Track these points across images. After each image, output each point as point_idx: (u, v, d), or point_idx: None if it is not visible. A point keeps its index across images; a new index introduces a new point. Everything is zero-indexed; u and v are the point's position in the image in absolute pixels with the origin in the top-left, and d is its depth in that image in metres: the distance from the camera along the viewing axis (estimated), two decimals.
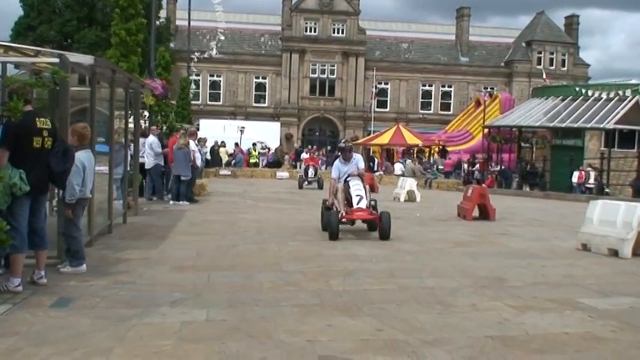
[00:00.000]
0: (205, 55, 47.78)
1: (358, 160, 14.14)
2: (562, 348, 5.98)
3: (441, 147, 47.16)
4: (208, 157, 36.96)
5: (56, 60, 9.00)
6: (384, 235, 12.82)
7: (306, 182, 30.25)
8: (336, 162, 14.18)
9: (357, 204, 13.11)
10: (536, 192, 32.60)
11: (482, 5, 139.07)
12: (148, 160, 19.66)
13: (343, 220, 13.07)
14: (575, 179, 31.92)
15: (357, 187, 13.35)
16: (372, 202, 13.56)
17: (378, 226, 13.05)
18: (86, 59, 9.94)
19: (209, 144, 38.33)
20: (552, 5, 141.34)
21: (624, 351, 5.95)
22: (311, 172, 30.67)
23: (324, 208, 13.83)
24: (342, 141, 15.48)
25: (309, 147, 52.50)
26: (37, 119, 7.74)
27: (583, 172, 32.02)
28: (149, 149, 19.68)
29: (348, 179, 13.57)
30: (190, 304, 7.22)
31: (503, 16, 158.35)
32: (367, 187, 13.77)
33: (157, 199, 19.91)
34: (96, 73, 10.77)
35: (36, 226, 7.83)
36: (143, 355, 5.45)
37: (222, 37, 52.46)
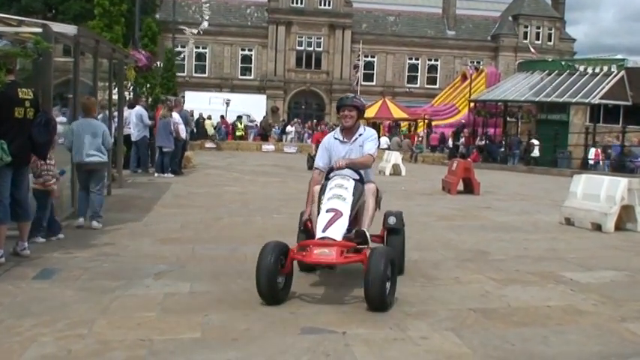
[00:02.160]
0: (197, 30, 47.05)
1: (368, 137, 7.56)
2: (543, 321, 6.02)
3: (426, 121, 47.19)
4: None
5: (39, 30, 8.92)
6: (373, 299, 6.06)
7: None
8: (327, 138, 7.92)
9: (324, 231, 6.58)
10: (521, 166, 32.72)
11: None
12: (135, 132, 19.53)
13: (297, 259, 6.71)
14: (591, 156, 32.03)
15: (334, 194, 6.94)
16: (364, 229, 7.09)
17: (364, 278, 6.09)
18: (69, 29, 9.86)
19: (195, 116, 38.22)
20: None
21: (605, 324, 6.00)
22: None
23: (300, 225, 7.60)
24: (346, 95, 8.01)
25: (295, 119, 52.37)
26: (19, 89, 7.66)
27: (599, 150, 32.19)
28: (138, 120, 19.53)
29: (331, 175, 7.30)
30: (174, 276, 7.22)
31: None
32: (370, 198, 7.30)
33: (141, 172, 19.83)
34: (79, 44, 10.68)
35: (18, 197, 7.78)
36: (126, 326, 5.44)
37: (209, 12, 51.71)
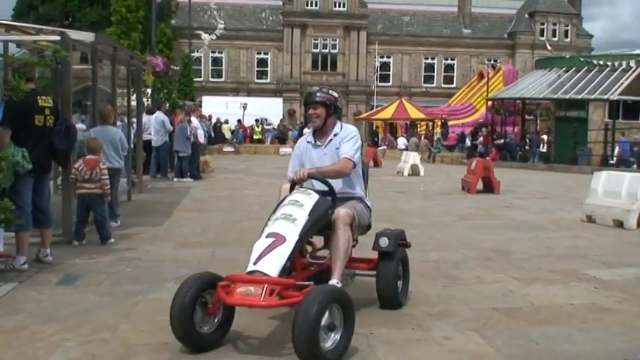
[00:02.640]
0: (213, 37, 46.93)
1: (345, 137, 6.07)
2: (567, 319, 5.99)
3: (442, 121, 47.09)
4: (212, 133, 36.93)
5: (57, 38, 8.99)
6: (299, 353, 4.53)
7: None
8: (300, 141, 6.63)
9: (255, 263, 5.15)
10: (541, 164, 32.56)
11: None
12: (157, 138, 19.59)
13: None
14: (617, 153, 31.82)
15: (282, 214, 5.60)
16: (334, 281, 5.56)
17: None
18: (87, 36, 9.92)
19: (212, 121, 38.32)
20: None
21: (629, 321, 5.95)
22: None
23: None
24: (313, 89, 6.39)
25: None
26: (38, 97, 7.73)
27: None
28: (160, 126, 19.59)
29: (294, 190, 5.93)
30: None
31: None
32: (340, 229, 5.64)
33: (161, 177, 19.90)
34: (97, 51, 10.76)
35: (40, 205, 7.84)
36: (149, 330, 5.47)
37: (219, 18, 51.42)
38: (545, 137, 36.75)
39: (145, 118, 19.22)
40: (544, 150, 35.28)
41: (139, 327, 5.57)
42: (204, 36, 43.55)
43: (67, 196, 9.27)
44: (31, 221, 7.66)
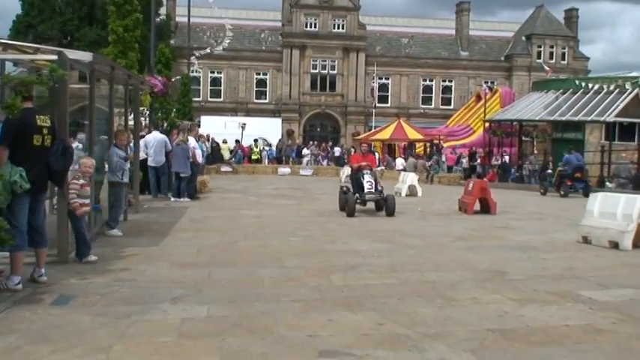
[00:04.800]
0: (209, 50, 46.94)
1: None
2: (562, 340, 5.98)
3: (437, 142, 47.34)
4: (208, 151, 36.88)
5: (55, 57, 8.99)
6: None
7: (359, 201, 16.82)
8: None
9: None
10: (537, 185, 32.53)
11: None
12: (158, 158, 19.57)
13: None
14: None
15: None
16: None
17: None
18: (85, 56, 9.91)
19: (210, 140, 38.30)
20: None
21: (625, 342, 5.94)
22: (368, 179, 16.99)
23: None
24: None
25: (312, 142, 52.35)
26: (37, 116, 7.73)
27: None
28: (160, 147, 19.60)
29: None
30: (191, 301, 7.21)
31: (512, 10, 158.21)
32: None
33: (161, 196, 19.86)
34: (95, 70, 10.77)
35: (36, 224, 7.82)
36: (143, 352, 5.45)
37: (231, 34, 51.55)
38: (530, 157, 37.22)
39: (151, 136, 19.45)
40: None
41: (133, 348, 5.55)
42: (194, 59, 43.59)
43: (63, 216, 9.24)
44: (26, 241, 7.64)
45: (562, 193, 25.79)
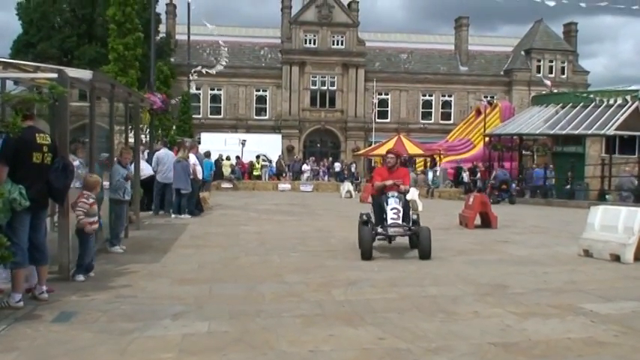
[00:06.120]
0: (211, 71, 47.04)
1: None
2: (564, 353, 5.97)
3: (437, 158, 47.43)
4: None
5: (55, 75, 9.02)
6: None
7: (380, 236, 12.42)
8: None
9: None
10: (538, 199, 32.57)
11: (491, 14, 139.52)
12: (167, 175, 19.56)
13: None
14: None
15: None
16: None
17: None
18: (85, 74, 9.94)
19: (213, 157, 38.28)
20: (561, 13, 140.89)
21: (627, 355, 5.93)
22: (394, 206, 12.23)
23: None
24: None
25: (311, 158, 52.42)
26: (37, 134, 7.75)
27: None
28: (170, 164, 19.62)
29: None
30: (192, 317, 7.20)
31: (511, 25, 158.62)
32: None
33: (163, 213, 19.84)
34: (95, 88, 10.80)
35: (36, 242, 7.82)
36: None
37: (226, 49, 51.68)
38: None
39: (162, 152, 19.53)
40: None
41: None
42: (192, 78, 43.64)
43: (64, 233, 9.24)
44: (27, 258, 7.64)
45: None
